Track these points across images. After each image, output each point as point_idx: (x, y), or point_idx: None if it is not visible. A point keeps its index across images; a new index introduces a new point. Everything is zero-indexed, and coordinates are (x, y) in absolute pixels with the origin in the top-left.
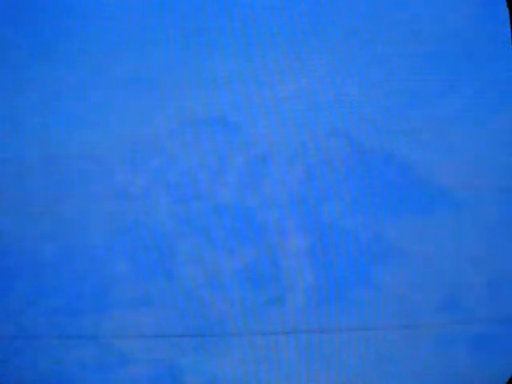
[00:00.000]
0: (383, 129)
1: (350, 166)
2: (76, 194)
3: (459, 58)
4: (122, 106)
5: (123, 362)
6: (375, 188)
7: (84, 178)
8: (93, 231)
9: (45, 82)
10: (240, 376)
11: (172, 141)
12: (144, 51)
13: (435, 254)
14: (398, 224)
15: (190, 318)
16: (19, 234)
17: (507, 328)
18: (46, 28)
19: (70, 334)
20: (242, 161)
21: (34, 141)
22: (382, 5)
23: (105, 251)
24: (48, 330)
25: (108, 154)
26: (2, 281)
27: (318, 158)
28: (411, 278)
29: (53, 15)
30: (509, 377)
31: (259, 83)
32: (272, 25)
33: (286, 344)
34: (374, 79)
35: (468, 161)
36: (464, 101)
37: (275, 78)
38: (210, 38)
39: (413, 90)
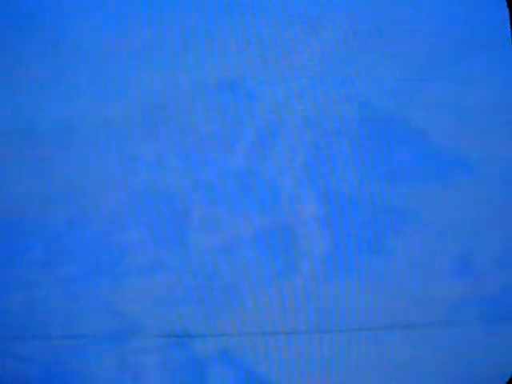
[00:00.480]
0: (399, 98)
1: (365, 134)
2: (91, 160)
3: (459, 58)
4: (138, 73)
5: (137, 332)
6: (390, 155)
7: (100, 145)
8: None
9: (44, 80)
10: (240, 376)
11: (190, 106)
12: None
13: (451, 222)
14: (413, 192)
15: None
16: (19, 233)
17: (507, 328)
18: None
19: (70, 334)
20: (260, 126)
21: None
22: (382, 5)
23: (120, 217)
24: (48, 330)
25: (126, 120)
26: (1, 280)
27: (334, 126)
28: (426, 247)
29: (46, 13)
30: (509, 377)
31: (260, 83)
32: (272, 25)
33: (286, 344)
34: (373, 78)
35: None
36: (464, 100)
37: (275, 78)
38: (210, 38)
39: (413, 90)
